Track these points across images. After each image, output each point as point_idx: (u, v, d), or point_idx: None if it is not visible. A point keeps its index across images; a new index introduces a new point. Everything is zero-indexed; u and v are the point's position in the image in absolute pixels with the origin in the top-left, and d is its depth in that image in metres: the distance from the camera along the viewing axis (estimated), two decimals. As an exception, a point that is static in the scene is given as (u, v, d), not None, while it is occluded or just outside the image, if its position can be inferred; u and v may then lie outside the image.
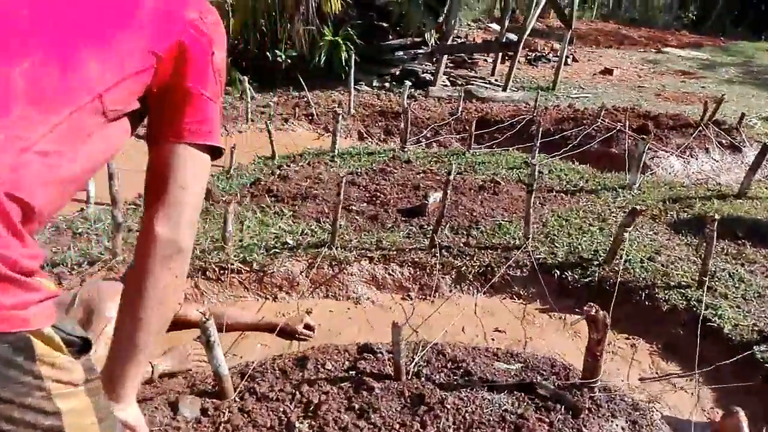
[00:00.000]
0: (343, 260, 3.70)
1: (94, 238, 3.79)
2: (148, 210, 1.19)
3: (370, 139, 7.02)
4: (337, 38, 8.41)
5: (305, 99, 7.61)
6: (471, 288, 3.77)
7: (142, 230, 1.19)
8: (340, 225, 4.12)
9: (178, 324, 2.95)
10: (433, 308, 3.61)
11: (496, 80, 10.49)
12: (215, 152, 1.25)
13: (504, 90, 9.34)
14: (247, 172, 5.34)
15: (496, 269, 3.78)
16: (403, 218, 4.34)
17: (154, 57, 1.10)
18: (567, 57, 12.00)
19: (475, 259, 3.83)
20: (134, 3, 1.10)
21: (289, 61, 8.58)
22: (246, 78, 7.74)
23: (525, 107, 7.78)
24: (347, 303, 3.62)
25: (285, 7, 8.39)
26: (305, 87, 7.54)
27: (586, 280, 3.70)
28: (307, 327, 3.26)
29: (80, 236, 3.86)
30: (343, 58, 8.17)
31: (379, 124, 7.20)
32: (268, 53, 8.54)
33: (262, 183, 4.89)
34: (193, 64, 1.15)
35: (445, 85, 9.63)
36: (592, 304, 2.46)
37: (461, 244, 3.97)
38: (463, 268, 3.78)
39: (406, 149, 6.07)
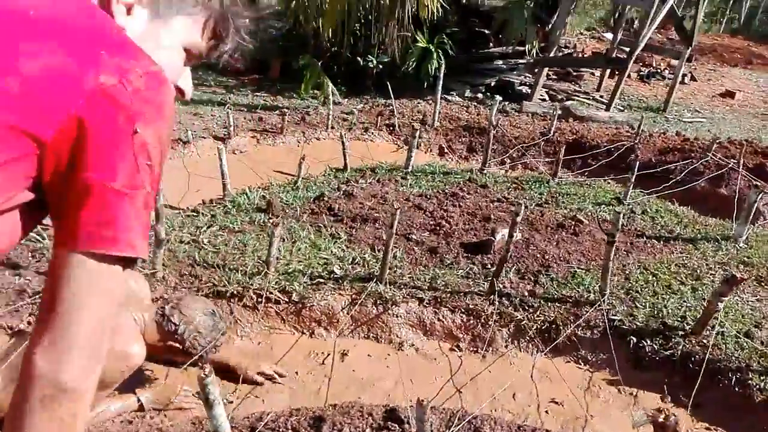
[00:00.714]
0: (390, 299, 3.38)
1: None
2: (33, 335, 0.91)
3: (450, 156, 6.63)
4: (429, 45, 8.07)
5: (390, 107, 7.34)
6: (530, 346, 3.34)
7: (23, 361, 0.91)
8: (394, 255, 3.81)
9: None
10: (483, 365, 3.22)
11: (600, 96, 9.74)
12: (130, 261, 0.93)
13: (607, 109, 8.62)
14: (315, 185, 5.14)
15: (562, 327, 3.33)
16: (465, 254, 3.95)
17: (33, 141, 0.83)
18: (684, 75, 10.98)
19: (539, 312, 3.39)
20: (5, 65, 0.82)
21: (380, 66, 8.35)
22: (330, 84, 7.59)
23: (627, 131, 7.08)
24: (388, 347, 3.30)
25: (381, 11, 8.16)
26: (392, 95, 7.26)
27: (668, 352, 3.17)
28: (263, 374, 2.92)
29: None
30: (433, 66, 7.83)
31: (463, 139, 6.80)
32: (359, 58, 8.36)
33: (325, 199, 4.66)
34: (95, 147, 0.85)
35: (543, 100, 9.04)
36: (663, 408, 2.00)
37: (525, 293, 3.54)
38: (523, 322, 3.35)
39: (485, 171, 5.64)
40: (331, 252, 3.85)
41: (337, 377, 3.03)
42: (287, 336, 3.30)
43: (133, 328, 2.50)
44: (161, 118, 0.89)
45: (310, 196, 4.80)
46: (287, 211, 4.49)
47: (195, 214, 4.40)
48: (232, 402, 2.81)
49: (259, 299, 3.30)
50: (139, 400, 2.61)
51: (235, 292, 3.30)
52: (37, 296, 3.07)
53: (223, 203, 4.61)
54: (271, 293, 3.30)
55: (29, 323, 2.93)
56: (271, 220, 3.24)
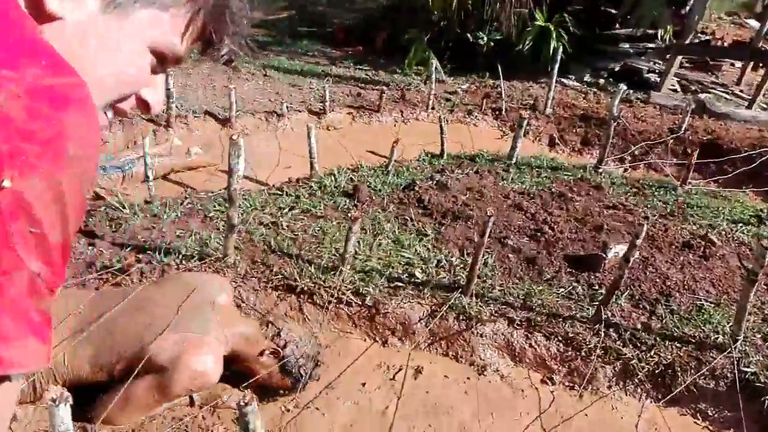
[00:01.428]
0: (475, 316, 2.96)
1: (222, 225, 3.47)
2: None
3: (561, 148, 6.00)
4: (548, 24, 7.37)
5: (498, 89, 6.78)
6: (639, 390, 2.82)
7: None
8: (485, 262, 3.37)
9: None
10: (579, 405, 2.75)
11: (741, 91, 8.59)
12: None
13: (749, 106, 7.54)
14: (407, 170, 4.76)
15: (680, 373, 2.77)
16: (569, 269, 3.44)
17: None
18: None
19: (653, 351, 2.84)
20: None
21: (491, 44, 7.75)
22: (435, 61, 7.11)
23: (774, 134, 6.12)
24: (469, 370, 2.89)
25: (497, -15, 7.55)
26: (501, 75, 6.69)
27: (815, 422, 2.55)
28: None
29: (209, 221, 3.59)
30: (551, 47, 7.13)
31: (578, 130, 6.13)
32: (469, 35, 7.80)
33: (416, 188, 4.26)
34: None
35: (674, 90, 8.07)
36: None
37: (638, 325, 2.99)
38: (633, 361, 2.83)
39: (600, 169, 5.00)
40: (416, 251, 3.47)
41: (408, 398, 2.68)
42: (358, 342, 2.98)
43: (216, 348, 2.34)
44: (58, 160, 0.52)
45: (400, 184, 4.43)
46: (374, 198, 4.14)
47: (279, 193, 4.16)
48: (289, 411, 2.54)
49: (331, 299, 2.99)
50: (191, 397, 2.39)
51: (305, 288, 3.00)
52: (106, 270, 2.92)
53: (309, 183, 4.34)
54: (343, 294, 2.97)
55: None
56: (350, 214, 2.90)
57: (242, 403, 1.75)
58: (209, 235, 3.36)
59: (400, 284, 3.10)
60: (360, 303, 2.98)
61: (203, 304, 2.44)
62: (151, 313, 2.36)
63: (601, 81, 7.83)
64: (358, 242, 3.46)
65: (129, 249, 3.16)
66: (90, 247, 3.15)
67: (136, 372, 2.20)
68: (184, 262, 3.09)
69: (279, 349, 2.48)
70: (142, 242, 3.26)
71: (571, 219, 3.99)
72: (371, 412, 2.59)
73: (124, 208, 3.61)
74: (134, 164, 4.05)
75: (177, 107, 5.24)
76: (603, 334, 2.91)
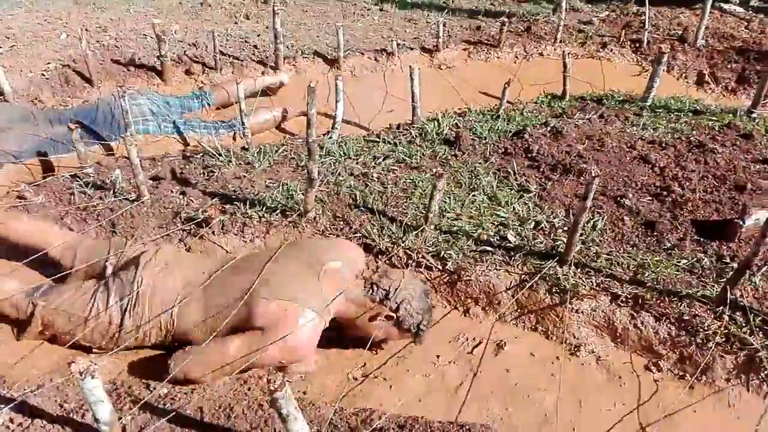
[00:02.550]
0: (571, 289, 2.61)
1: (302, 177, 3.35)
2: None
3: (711, 87, 5.14)
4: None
5: (642, 17, 5.93)
6: (764, 387, 2.35)
7: None
8: (594, 226, 2.97)
9: None
10: (688, 398, 2.37)
11: None
12: None
13: None
14: (521, 115, 4.32)
15: (823, 375, 2.26)
16: (695, 236, 2.93)
17: None
18: None
19: (790, 345, 2.34)
20: None
21: (639, -37, 6.77)
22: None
23: None
24: (559, 348, 2.58)
25: None
26: (646, 0, 5.82)
27: None
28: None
29: (299, 171, 3.50)
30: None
31: (733, 66, 5.19)
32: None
33: (526, 136, 3.85)
34: None
35: None
36: None
37: (775, 311, 2.48)
38: (761, 352, 2.35)
39: (755, 114, 4.21)
40: (513, 210, 3.13)
41: (485, 375, 2.45)
42: (438, 308, 2.76)
43: (313, 321, 2.24)
44: None
45: (510, 130, 4.02)
46: (476, 147, 3.80)
47: (377, 140, 3.96)
48: (356, 379, 2.42)
49: (409, 261, 2.78)
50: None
51: (384, 248, 2.81)
52: (191, 222, 2.94)
53: (409, 130, 4.08)
54: (423, 257, 2.75)
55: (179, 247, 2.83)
56: (445, 167, 2.61)
57: (272, 388, 1.63)
58: (295, 186, 3.26)
59: (489, 249, 2.81)
60: (441, 267, 2.74)
61: (311, 270, 2.36)
62: (261, 276, 2.32)
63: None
64: (449, 198, 3.20)
65: (216, 199, 3.14)
66: (181, 196, 3.18)
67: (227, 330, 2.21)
68: (266, 215, 3.03)
69: (391, 314, 2.35)
70: (231, 192, 3.24)
71: (707, 175, 3.40)
72: (442, 389, 2.40)
73: (220, 155, 3.61)
74: (245, 124, 4.02)
75: (287, 47, 5.15)
76: (726, 319, 2.44)
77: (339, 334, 2.49)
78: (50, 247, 2.63)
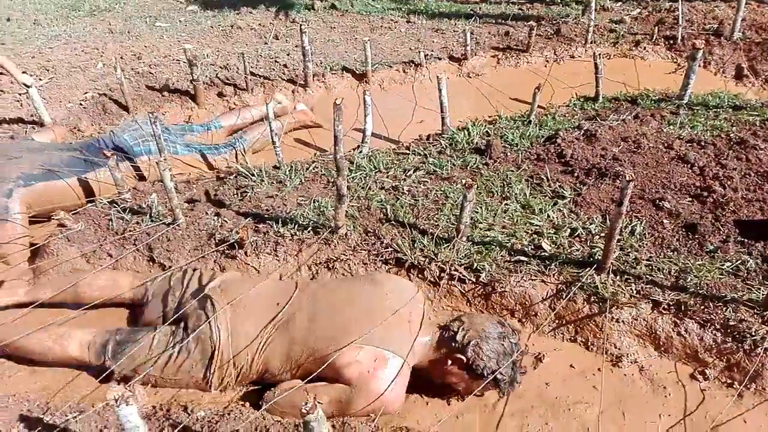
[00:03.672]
0: (610, 297, 2.54)
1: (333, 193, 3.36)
2: None
3: (751, 81, 4.96)
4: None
5: (675, 13, 5.78)
6: (823, 397, 2.23)
7: None
8: (632, 231, 2.89)
9: None
10: (737, 408, 2.27)
11: None
12: None
13: None
14: (552, 119, 4.25)
15: None
16: (740, 237, 2.82)
17: None
18: None
19: None
20: None
21: (670, -43, 6.61)
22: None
23: None
24: (599, 359, 2.51)
25: None
26: (681, -5, 5.67)
27: None
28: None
29: (330, 187, 3.51)
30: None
31: (775, 57, 5.03)
32: (643, -52, 6.71)
33: (559, 140, 3.78)
34: None
35: None
36: None
37: (829, 313, 2.36)
38: (816, 359, 2.24)
39: (800, 106, 4.06)
40: (547, 217, 3.07)
41: (524, 389, 2.39)
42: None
43: (405, 371, 2.19)
44: None
45: (542, 136, 3.96)
46: (508, 154, 3.76)
47: (407, 152, 3.95)
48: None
49: (442, 274, 2.75)
50: None
51: (416, 262, 2.79)
52: (224, 244, 2.97)
53: (439, 140, 4.06)
54: (456, 270, 2.72)
55: (213, 270, 2.86)
56: (465, 182, 2.58)
57: (304, 411, 1.62)
58: (327, 203, 3.27)
59: (524, 258, 2.76)
60: (474, 280, 2.70)
61: (399, 314, 2.29)
62: (348, 315, 2.27)
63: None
64: (481, 207, 3.16)
65: (249, 219, 3.18)
66: (216, 218, 3.23)
67: (314, 374, 2.13)
68: (298, 233, 3.04)
69: (460, 356, 2.20)
70: (264, 211, 3.27)
71: (750, 173, 3.27)
72: (478, 405, 2.35)
73: (252, 175, 3.65)
74: (243, 140, 4.06)
75: (316, 65, 5.21)
76: (778, 325, 2.34)
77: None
78: (121, 294, 2.66)
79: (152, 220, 3.19)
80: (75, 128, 4.27)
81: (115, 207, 3.33)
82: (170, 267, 2.88)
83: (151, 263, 3.02)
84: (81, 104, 4.48)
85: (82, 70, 5.05)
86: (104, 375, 2.30)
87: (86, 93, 4.60)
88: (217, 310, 2.36)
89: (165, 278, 2.72)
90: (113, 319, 2.73)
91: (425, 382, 2.36)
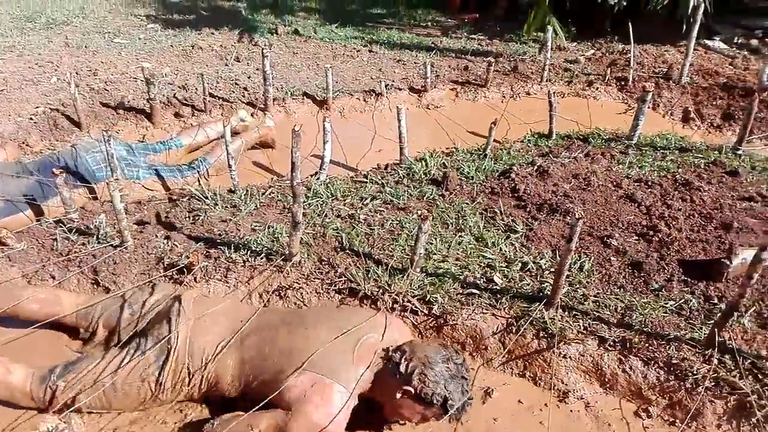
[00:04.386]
0: (558, 333, 2.58)
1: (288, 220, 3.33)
2: None
3: (697, 124, 5.18)
4: (690, -23, 6.39)
5: (627, 56, 6.02)
6: (757, 435, 2.30)
7: None
8: (581, 267, 2.95)
9: None
10: (679, 447, 2.31)
11: None
12: None
13: None
14: (507, 154, 4.33)
15: (815, 421, 2.22)
16: (683, 277, 2.91)
17: None
18: None
19: (780, 389, 2.31)
20: None
21: (623, 4, 6.88)
22: (555, 24, 6.46)
23: None
24: (547, 394, 2.53)
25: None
26: (632, 39, 5.89)
27: None
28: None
29: (286, 213, 3.48)
30: (691, 4, 6.17)
31: (718, 102, 5.25)
32: (597, -6, 7.00)
33: (513, 175, 3.86)
34: None
35: None
36: None
37: (764, 352, 2.45)
38: (752, 397, 2.31)
39: (740, 151, 4.24)
40: (500, 251, 3.12)
41: (473, 425, 2.39)
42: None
43: (344, 400, 2.13)
44: None
45: (497, 170, 4.04)
46: (464, 186, 3.81)
47: (364, 180, 3.96)
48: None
49: (395, 305, 2.75)
50: None
51: (369, 293, 2.78)
52: (173, 269, 2.90)
53: (397, 170, 4.09)
54: (408, 301, 2.72)
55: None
56: (420, 213, 2.61)
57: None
58: (282, 229, 3.24)
59: (476, 291, 2.78)
60: (426, 312, 2.71)
61: (350, 343, 2.26)
62: (299, 344, 2.25)
63: (754, 42, 6.70)
64: (435, 239, 3.18)
65: (201, 243, 3.12)
66: (165, 241, 3.15)
67: (264, 402, 2.10)
68: (250, 259, 3.00)
69: (408, 388, 2.14)
70: (216, 236, 3.22)
71: (694, 214, 3.40)
72: (428, 439, 2.34)
73: (206, 198, 3.60)
74: (207, 162, 4.01)
75: (277, 89, 5.20)
76: (715, 362, 2.41)
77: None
78: (63, 314, 2.56)
79: (99, 242, 3.10)
80: (24, 143, 4.13)
81: (61, 227, 3.22)
82: (114, 291, 2.79)
83: (95, 286, 2.92)
84: (31, 119, 4.35)
85: (34, 84, 4.91)
86: (48, 397, 2.21)
87: (37, 107, 4.47)
88: (182, 316, 2.37)
89: (115, 299, 2.63)
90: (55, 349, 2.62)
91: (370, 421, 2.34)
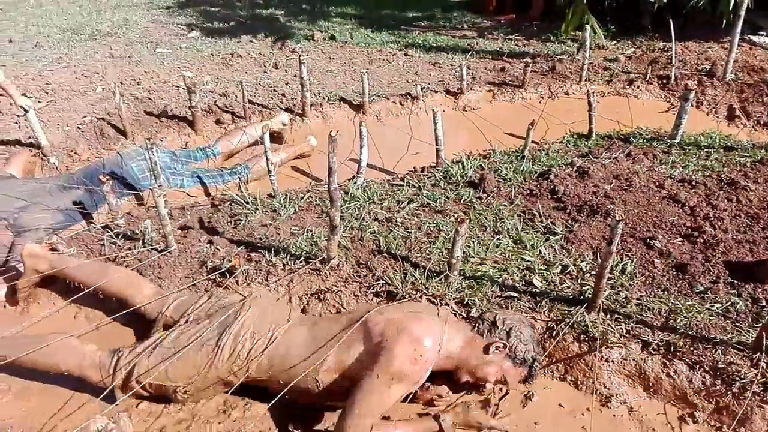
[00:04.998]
0: (600, 337, 2.54)
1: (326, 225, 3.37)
2: None
3: (743, 121, 5.04)
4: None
5: (669, 53, 5.89)
6: (813, 443, 2.22)
7: None
8: (623, 270, 2.91)
9: None
10: (726, 454, 2.25)
11: None
12: None
13: None
14: (546, 155, 4.29)
15: None
16: (729, 279, 2.83)
17: None
18: None
19: (835, 395, 2.23)
20: None
21: (664, 0, 6.74)
22: (593, 23, 6.37)
23: None
24: (588, 399, 2.50)
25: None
26: (673, 36, 5.77)
27: None
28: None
29: (324, 217, 3.52)
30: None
31: (764, 99, 5.08)
32: (637, -9, 6.88)
33: (551, 177, 3.82)
34: None
35: None
36: None
37: (817, 358, 2.37)
38: (804, 404, 2.24)
39: (790, 148, 4.12)
40: (539, 253, 3.09)
41: (514, 426, 2.38)
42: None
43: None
44: None
45: (535, 171, 4.00)
46: (501, 189, 3.78)
47: (401, 184, 3.97)
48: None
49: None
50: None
51: (406, 295, 2.79)
52: (215, 273, 2.96)
53: (434, 173, 4.09)
54: (446, 304, 2.72)
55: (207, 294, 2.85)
56: (457, 217, 2.61)
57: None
58: (320, 233, 3.28)
59: (514, 294, 2.77)
60: (465, 315, 2.70)
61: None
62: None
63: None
64: (473, 242, 3.18)
65: (242, 247, 3.18)
66: (208, 245, 3.23)
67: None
68: (290, 263, 3.04)
69: (503, 341, 2.33)
70: (257, 240, 3.28)
71: (740, 214, 3.31)
72: (468, 441, 2.33)
73: (247, 203, 3.67)
74: (248, 169, 4.08)
75: (314, 95, 5.26)
76: (764, 366, 2.34)
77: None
78: (141, 300, 2.67)
79: (144, 246, 3.19)
80: (72, 151, 4.28)
81: (108, 232, 3.33)
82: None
83: (141, 290, 3.01)
84: (79, 128, 4.50)
85: (81, 94, 5.09)
86: (113, 364, 2.35)
87: (84, 117, 4.63)
88: (245, 309, 2.47)
89: (190, 294, 2.76)
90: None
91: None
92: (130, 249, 3.18)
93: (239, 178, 4.02)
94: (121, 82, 5.35)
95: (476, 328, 2.40)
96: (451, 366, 2.35)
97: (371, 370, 2.12)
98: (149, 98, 5.06)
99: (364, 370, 2.16)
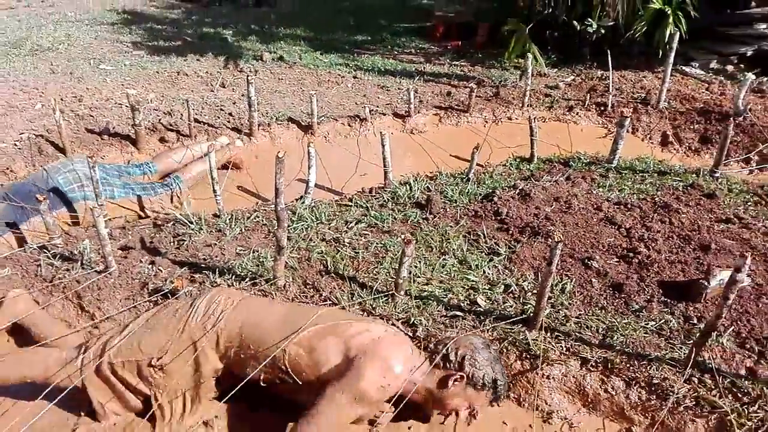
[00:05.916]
0: (541, 354, 2.60)
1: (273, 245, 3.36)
2: None
3: (675, 147, 5.31)
4: (665, 7, 6.57)
5: (606, 82, 6.17)
6: (738, 453, 2.33)
7: None
8: (562, 289, 2.99)
9: None
10: (661, 466, 2.33)
11: None
12: None
13: None
14: (490, 178, 4.40)
15: (794, 438, 2.26)
16: (662, 298, 2.96)
17: None
18: None
19: (758, 405, 2.35)
20: None
21: (601, 32, 7.06)
22: (535, 51, 6.61)
23: None
24: (530, 415, 2.55)
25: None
26: (611, 65, 6.04)
27: None
28: None
29: (271, 237, 3.49)
30: (667, 33, 6.35)
31: (696, 126, 5.38)
32: (576, 22, 7.17)
33: (496, 198, 3.92)
34: None
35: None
36: None
37: (742, 371, 2.49)
38: (731, 416, 2.34)
39: (717, 174, 4.34)
40: (483, 273, 3.15)
41: (458, 445, 2.40)
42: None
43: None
44: None
45: (480, 193, 4.10)
46: (447, 210, 3.85)
47: (349, 204, 3.99)
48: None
49: (380, 329, 2.76)
50: None
51: (355, 312, 2.80)
52: (157, 294, 2.90)
53: (381, 194, 4.13)
54: (393, 324, 2.74)
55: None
56: (404, 237, 2.65)
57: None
58: (266, 253, 3.25)
59: (459, 314, 2.81)
60: (411, 335, 2.73)
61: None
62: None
63: (729, 68, 6.89)
64: (419, 262, 3.22)
65: (185, 268, 3.12)
66: (150, 266, 3.15)
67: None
68: (235, 283, 3.01)
69: (457, 373, 2.26)
70: (201, 260, 3.22)
71: (673, 236, 3.46)
72: (413, 461, 2.34)
73: (191, 222, 3.61)
74: (180, 180, 4.04)
75: (262, 114, 5.25)
76: (696, 381, 2.45)
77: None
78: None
79: (83, 268, 3.09)
80: (8, 169, 4.13)
81: (44, 252, 3.21)
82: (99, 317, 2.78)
83: (80, 312, 2.91)
84: (15, 144, 4.35)
85: (19, 110, 4.92)
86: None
87: (22, 134, 4.47)
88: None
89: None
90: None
91: None
92: (67, 270, 3.08)
93: (171, 189, 3.96)
94: (61, 99, 5.20)
95: (433, 361, 2.33)
96: (419, 399, 2.32)
97: (338, 382, 2.13)
98: (91, 115, 4.94)
99: (331, 377, 2.17)
